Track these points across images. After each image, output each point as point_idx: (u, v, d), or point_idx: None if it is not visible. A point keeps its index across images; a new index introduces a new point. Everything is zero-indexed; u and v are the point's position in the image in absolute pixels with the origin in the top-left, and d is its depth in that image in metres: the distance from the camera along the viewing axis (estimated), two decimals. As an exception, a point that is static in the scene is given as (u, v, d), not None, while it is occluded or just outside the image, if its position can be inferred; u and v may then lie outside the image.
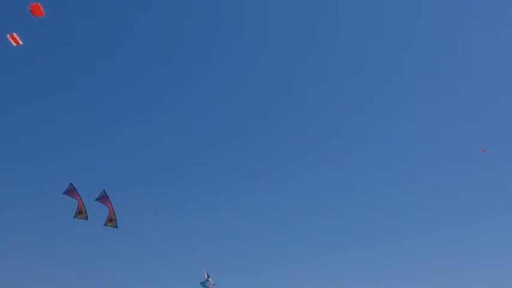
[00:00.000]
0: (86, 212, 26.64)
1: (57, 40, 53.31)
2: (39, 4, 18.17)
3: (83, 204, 26.62)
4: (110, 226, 28.21)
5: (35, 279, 43.20)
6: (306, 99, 60.44)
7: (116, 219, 28.33)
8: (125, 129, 56.53)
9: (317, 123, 59.62)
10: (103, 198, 28.13)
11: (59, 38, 53.89)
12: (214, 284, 32.85)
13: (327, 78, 61.66)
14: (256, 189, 53.84)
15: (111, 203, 28.30)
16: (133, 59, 56.40)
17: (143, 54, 57.19)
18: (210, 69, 59.91)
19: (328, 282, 46.79)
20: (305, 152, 58.60)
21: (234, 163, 57.09)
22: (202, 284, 32.56)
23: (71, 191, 26.57)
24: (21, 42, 19.23)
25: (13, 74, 51.43)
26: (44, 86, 53.90)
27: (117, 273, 42.90)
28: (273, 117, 60.45)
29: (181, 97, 59.75)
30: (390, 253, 49.22)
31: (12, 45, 19.19)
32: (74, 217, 26.67)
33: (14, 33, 19.11)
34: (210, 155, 57.07)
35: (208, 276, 32.62)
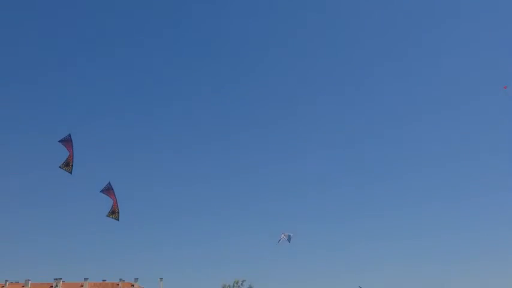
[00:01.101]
0: (72, 165, 26.04)
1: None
2: None
3: (73, 157, 26.07)
4: (112, 218, 27.95)
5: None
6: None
7: (118, 212, 28.03)
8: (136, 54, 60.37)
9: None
10: (107, 190, 27.90)
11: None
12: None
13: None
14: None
15: (115, 195, 28.08)
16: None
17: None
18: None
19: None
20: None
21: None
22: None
23: (66, 140, 26.06)
24: None
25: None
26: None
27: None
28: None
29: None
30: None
31: None
32: (60, 167, 26.22)
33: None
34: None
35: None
